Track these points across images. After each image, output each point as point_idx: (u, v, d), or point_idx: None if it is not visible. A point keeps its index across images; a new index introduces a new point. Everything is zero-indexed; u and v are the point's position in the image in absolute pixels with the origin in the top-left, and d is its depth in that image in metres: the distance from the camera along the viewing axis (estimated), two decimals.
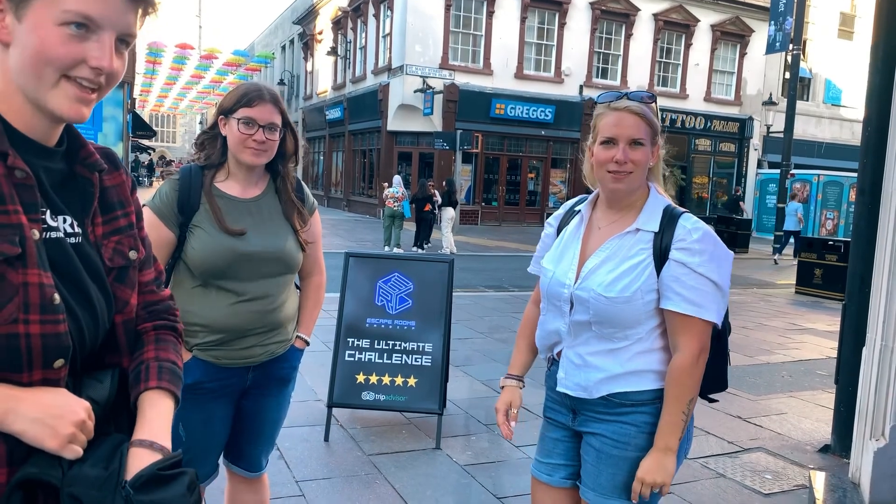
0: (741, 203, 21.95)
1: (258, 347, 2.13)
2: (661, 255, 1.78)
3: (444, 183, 16.41)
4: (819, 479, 3.46)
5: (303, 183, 2.30)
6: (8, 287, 0.97)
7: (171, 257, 2.08)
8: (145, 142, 42.76)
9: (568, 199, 19.54)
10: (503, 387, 2.11)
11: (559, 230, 2.03)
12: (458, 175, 19.91)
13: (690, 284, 1.75)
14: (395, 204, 14.68)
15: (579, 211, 1.99)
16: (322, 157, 30.96)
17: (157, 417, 1.15)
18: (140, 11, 1.07)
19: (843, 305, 4.25)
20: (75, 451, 1.00)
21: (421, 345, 4.23)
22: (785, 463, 4.08)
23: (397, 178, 15.54)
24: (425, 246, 15.23)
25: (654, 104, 1.88)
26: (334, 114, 27.92)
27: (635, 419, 1.82)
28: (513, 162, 23.75)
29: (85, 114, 1.05)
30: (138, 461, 1.06)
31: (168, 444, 1.12)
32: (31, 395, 0.99)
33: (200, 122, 72.20)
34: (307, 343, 2.32)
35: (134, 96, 31.74)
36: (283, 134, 2.16)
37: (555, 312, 1.92)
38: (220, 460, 2.31)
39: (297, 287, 2.36)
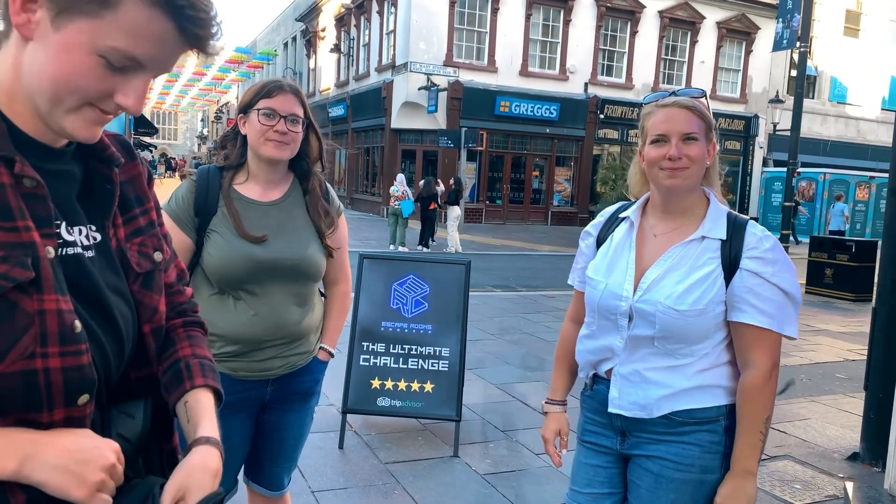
0: (800, 207, 21.79)
1: (278, 359, 2.01)
2: (730, 265, 1.66)
3: (451, 181, 16.25)
4: (855, 491, 3.34)
5: (329, 185, 2.17)
6: (21, 317, 0.84)
7: (189, 264, 1.96)
8: (147, 139, 42.67)
9: (572, 197, 19.37)
10: (546, 413, 1.98)
11: (599, 239, 1.89)
12: (462, 173, 19.77)
13: (766, 296, 1.63)
14: (395, 202, 14.59)
15: (624, 218, 1.84)
16: (325, 155, 30.80)
17: (214, 417, 1.08)
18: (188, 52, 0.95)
19: (873, 309, 4.13)
20: (104, 501, 0.87)
21: (437, 349, 4.11)
22: (814, 472, 3.96)
23: (400, 177, 15.45)
24: (431, 244, 15.11)
25: (704, 99, 1.76)
26: (337, 111, 27.78)
27: (699, 438, 1.69)
28: (517, 160, 23.61)
29: (98, 134, 0.95)
30: (209, 458, 1.00)
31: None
32: (53, 439, 0.86)
33: (202, 120, 72.14)
34: (332, 355, 2.19)
35: None
36: (306, 132, 2.04)
37: (608, 327, 1.77)
38: (241, 478, 2.19)
39: (323, 294, 2.24)
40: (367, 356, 4.09)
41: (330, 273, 2.18)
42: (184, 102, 52.29)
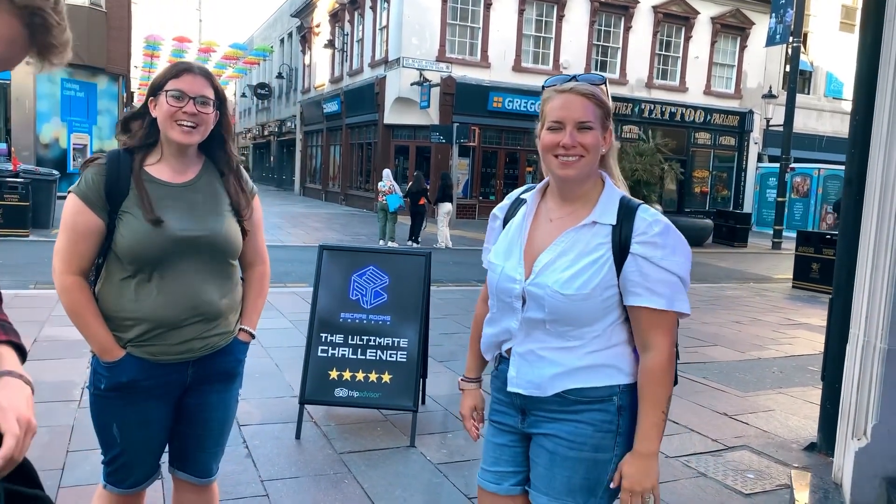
0: None
1: (197, 340, 2.01)
2: (620, 249, 1.69)
3: (440, 177, 16.19)
4: (800, 480, 3.36)
5: (241, 167, 2.19)
6: None
7: (101, 248, 1.97)
8: None
9: None
10: (463, 390, 2.02)
11: (506, 221, 1.91)
12: (455, 169, 19.76)
13: (656, 278, 1.66)
14: (383, 197, 14.61)
15: (525, 200, 1.87)
16: (320, 151, 30.84)
17: (18, 363, 1.12)
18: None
19: (830, 300, 4.14)
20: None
21: (396, 340, 4.12)
22: (769, 462, 3.97)
23: (387, 172, 15.45)
24: (420, 240, 15.11)
25: (603, 86, 1.77)
26: (332, 107, 27.78)
27: (591, 417, 1.71)
28: (511, 155, 23.60)
29: None
30: (14, 385, 1.04)
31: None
32: None
33: None
34: (252, 336, 2.20)
35: (132, 90, 31.65)
36: (220, 116, 2.05)
37: (505, 309, 1.80)
38: (167, 468, 2.20)
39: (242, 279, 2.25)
40: (326, 347, 4.11)
41: (246, 256, 2.20)
42: None
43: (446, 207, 15.03)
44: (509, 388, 1.79)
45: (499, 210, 1.96)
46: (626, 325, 1.75)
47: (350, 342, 4.12)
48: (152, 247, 1.92)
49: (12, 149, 18.61)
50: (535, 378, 1.75)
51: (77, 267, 1.94)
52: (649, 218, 1.70)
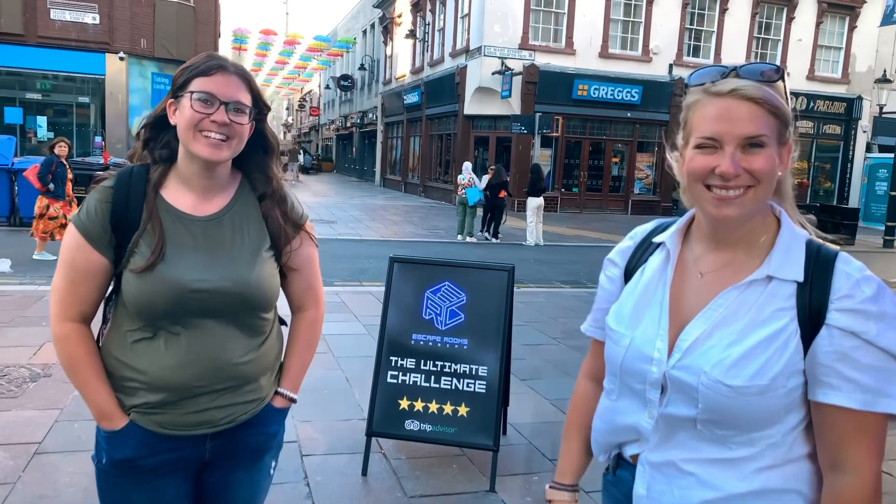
0: None
1: (216, 410, 1.58)
2: (811, 319, 1.13)
3: (531, 169, 15.32)
4: None
5: (289, 193, 1.72)
6: None
7: (110, 292, 1.56)
8: None
9: (655, 185, 18.17)
10: (550, 501, 1.46)
11: (628, 271, 1.37)
12: (537, 160, 19.05)
13: (866, 363, 1.10)
14: (462, 191, 14.13)
15: (661, 243, 1.32)
16: (400, 143, 30.69)
17: None
18: None
19: None
20: None
21: (474, 367, 3.63)
22: None
23: (467, 164, 14.98)
24: (499, 237, 14.55)
25: (780, 81, 1.20)
26: (412, 98, 27.52)
27: None
28: (596, 146, 22.64)
29: None
30: None
31: None
32: None
33: (287, 108, 73.71)
34: (292, 401, 1.75)
35: None
36: (261, 126, 1.61)
37: (631, 398, 1.28)
38: None
39: (283, 322, 1.80)
40: (396, 372, 3.66)
41: (294, 295, 1.75)
42: (269, 92, 53.49)
43: (536, 202, 14.18)
44: None
45: (617, 255, 1.41)
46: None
47: (423, 368, 3.65)
48: (161, 299, 1.49)
49: (104, 142, 19.25)
50: (677, 502, 1.21)
51: (76, 312, 1.54)
52: (856, 274, 1.13)
